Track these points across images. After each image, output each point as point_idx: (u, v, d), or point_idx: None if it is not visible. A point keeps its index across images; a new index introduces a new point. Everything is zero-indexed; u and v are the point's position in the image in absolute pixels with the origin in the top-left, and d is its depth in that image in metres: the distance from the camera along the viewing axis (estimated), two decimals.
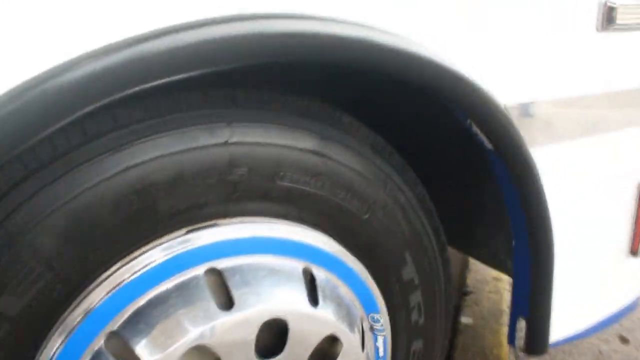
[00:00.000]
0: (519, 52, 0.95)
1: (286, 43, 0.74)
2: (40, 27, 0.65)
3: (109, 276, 0.76)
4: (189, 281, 0.79)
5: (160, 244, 0.79)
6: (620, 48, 1.03)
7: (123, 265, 0.77)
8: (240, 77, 0.82)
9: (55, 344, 0.75)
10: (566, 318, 1.14)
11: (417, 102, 0.95)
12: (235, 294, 0.79)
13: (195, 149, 0.77)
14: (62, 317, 0.75)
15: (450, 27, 0.87)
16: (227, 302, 0.79)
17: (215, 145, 0.78)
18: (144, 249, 0.78)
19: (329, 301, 0.88)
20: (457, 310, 1.73)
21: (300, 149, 0.84)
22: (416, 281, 1.02)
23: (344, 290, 0.92)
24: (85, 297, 0.75)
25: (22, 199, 0.71)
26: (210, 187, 0.79)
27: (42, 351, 0.75)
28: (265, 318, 0.80)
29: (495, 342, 1.58)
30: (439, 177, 1.13)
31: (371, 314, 0.97)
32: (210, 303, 0.78)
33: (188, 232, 0.80)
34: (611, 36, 1.01)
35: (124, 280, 0.77)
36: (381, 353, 1.00)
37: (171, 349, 0.75)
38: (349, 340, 0.89)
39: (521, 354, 1.14)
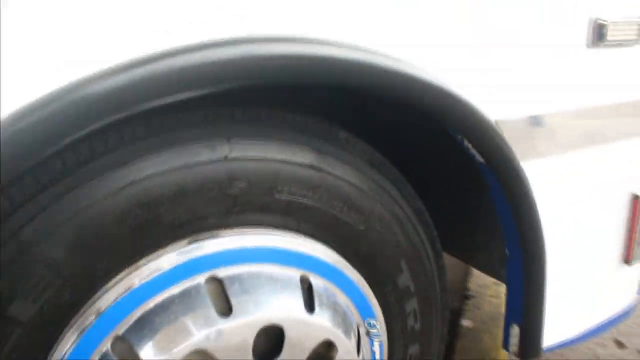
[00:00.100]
0: (510, 68, 0.98)
1: (301, 66, 0.77)
2: (48, 47, 0.68)
3: (115, 284, 0.81)
4: (191, 289, 0.84)
5: (164, 253, 0.83)
6: (610, 64, 1.06)
7: (129, 274, 0.81)
8: (239, 93, 0.86)
9: (65, 347, 0.80)
10: (559, 324, 1.17)
11: (408, 116, 0.99)
12: (234, 301, 0.84)
13: (196, 164, 0.81)
14: (71, 322, 0.79)
15: (441, 44, 0.90)
16: (226, 309, 0.84)
17: (216, 160, 0.82)
18: (148, 258, 0.82)
19: (325, 308, 0.92)
20: (458, 314, 1.77)
21: (298, 164, 0.88)
22: (412, 288, 1.06)
23: (341, 297, 0.96)
24: (93, 303, 0.80)
25: (35, 211, 0.75)
26: (212, 200, 0.83)
27: (52, 354, 0.79)
28: (262, 324, 0.84)
29: (495, 345, 1.61)
30: (436, 187, 1.16)
31: (367, 320, 1.01)
32: (210, 310, 0.82)
33: (190, 242, 0.84)
34: (601, 52, 1.04)
35: (129, 288, 0.81)
36: (377, 357, 1.04)
37: (173, 352, 0.80)
38: (344, 345, 0.93)
39: (515, 359, 1.17)
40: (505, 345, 1.16)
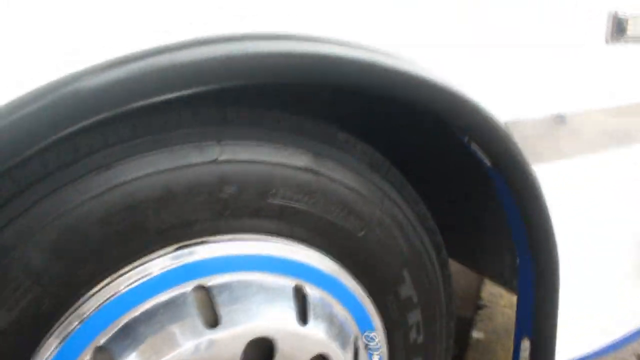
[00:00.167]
0: (522, 66, 0.92)
1: (303, 64, 0.74)
2: (33, 45, 0.65)
3: (97, 291, 0.77)
4: (177, 298, 0.79)
5: (150, 260, 0.79)
6: (630, 60, 1.00)
7: (112, 281, 0.77)
8: (233, 92, 0.82)
9: (44, 356, 0.76)
10: (574, 338, 1.11)
11: (412, 116, 0.94)
12: (222, 311, 0.79)
13: (185, 166, 0.77)
14: (51, 331, 0.76)
15: (448, 41, 0.86)
16: (214, 320, 0.79)
17: (205, 163, 0.78)
18: (133, 265, 0.78)
19: (320, 319, 0.87)
20: (469, 324, 1.70)
21: (293, 167, 0.84)
22: (415, 299, 1.00)
23: (338, 308, 0.91)
24: (74, 311, 0.76)
25: (13, 214, 0.72)
26: (200, 204, 0.79)
27: None
28: (251, 336, 0.80)
29: (506, 358, 1.54)
30: (442, 190, 1.11)
31: (366, 332, 0.96)
32: (196, 320, 0.78)
33: (178, 248, 0.80)
34: (621, 48, 0.97)
35: (112, 296, 0.77)
36: None
37: None
38: (340, 358, 0.88)
39: None
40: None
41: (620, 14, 0.93)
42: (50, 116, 0.66)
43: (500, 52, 0.91)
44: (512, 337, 1.11)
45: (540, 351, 1.06)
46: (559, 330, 1.05)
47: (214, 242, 0.82)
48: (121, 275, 0.78)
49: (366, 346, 0.96)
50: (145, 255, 0.79)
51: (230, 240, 0.83)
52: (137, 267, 0.78)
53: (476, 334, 1.66)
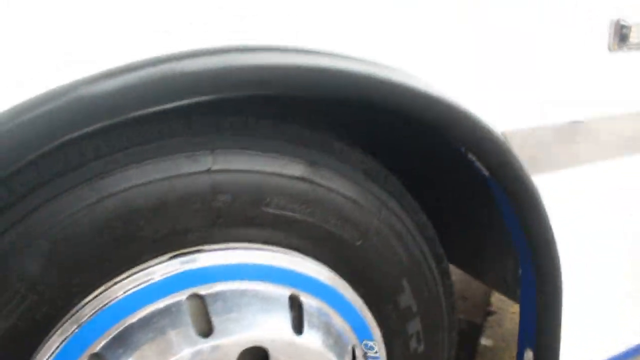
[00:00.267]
0: (522, 75, 0.91)
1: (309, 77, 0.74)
2: (32, 54, 0.66)
3: (92, 299, 0.78)
4: (171, 306, 0.80)
5: (144, 268, 0.79)
6: (633, 68, 0.98)
7: (107, 289, 0.78)
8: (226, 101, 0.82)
9: None
10: (578, 350, 1.09)
11: (411, 124, 0.93)
12: (215, 320, 0.80)
13: (178, 176, 0.78)
14: (47, 338, 0.77)
15: (442, 48, 0.85)
16: (208, 329, 0.80)
17: (198, 172, 0.79)
18: (127, 273, 0.79)
19: (316, 329, 0.87)
20: (478, 331, 1.68)
21: (287, 176, 0.84)
22: (415, 308, 1.00)
23: (335, 318, 0.91)
24: (69, 319, 0.77)
25: (9, 223, 0.73)
26: (194, 213, 0.80)
27: None
28: (244, 346, 0.80)
29: None
30: (444, 199, 1.10)
31: (365, 341, 0.96)
32: (189, 329, 0.79)
33: (172, 257, 0.81)
34: (624, 56, 0.95)
35: (107, 304, 0.78)
36: None
37: None
38: None
39: None
40: None
41: (623, 22, 0.91)
42: (51, 122, 0.66)
43: (500, 60, 0.90)
44: None
45: None
46: (562, 341, 1.04)
47: (209, 250, 0.82)
48: (116, 284, 0.78)
49: (365, 355, 0.96)
50: (140, 263, 0.79)
51: (225, 249, 0.83)
52: (131, 275, 0.79)
53: (484, 341, 1.64)
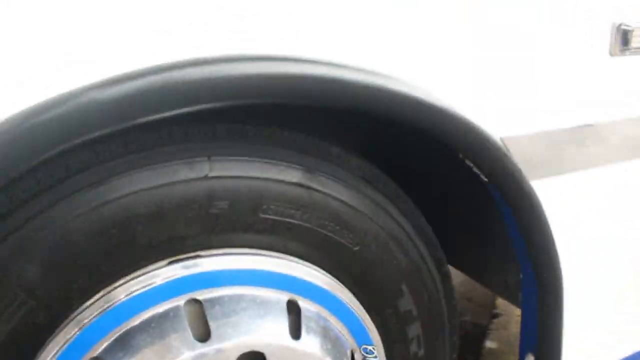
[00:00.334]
0: (520, 80, 0.90)
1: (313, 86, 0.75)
2: (31, 63, 0.66)
3: (90, 305, 0.79)
4: (169, 312, 0.81)
5: (142, 274, 0.80)
6: (635, 73, 0.96)
7: (105, 295, 0.79)
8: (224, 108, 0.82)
9: None
10: (581, 355, 1.08)
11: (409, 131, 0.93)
12: (213, 325, 0.80)
13: (175, 183, 0.78)
14: (47, 343, 0.78)
15: (438, 53, 0.84)
16: (205, 334, 0.80)
17: (195, 179, 0.79)
18: (125, 279, 0.80)
19: (314, 334, 0.87)
20: (483, 333, 1.67)
21: (284, 182, 0.84)
22: (414, 312, 1.00)
23: (333, 322, 0.91)
24: (68, 323, 0.78)
25: (8, 229, 0.74)
26: (192, 219, 0.80)
27: None
28: (242, 350, 0.80)
29: None
30: (445, 203, 1.09)
31: (364, 346, 0.96)
32: (187, 334, 0.79)
33: (170, 263, 0.82)
34: (625, 60, 0.94)
35: (105, 309, 0.79)
36: None
37: None
38: None
39: None
40: None
41: (625, 26, 0.90)
42: (55, 129, 0.67)
43: (500, 65, 0.89)
44: None
45: None
46: (564, 346, 1.03)
47: (207, 256, 0.83)
48: (114, 289, 0.79)
49: (364, 359, 0.96)
50: (138, 269, 0.80)
51: (222, 254, 0.84)
52: (129, 281, 0.80)
53: (490, 344, 1.63)
